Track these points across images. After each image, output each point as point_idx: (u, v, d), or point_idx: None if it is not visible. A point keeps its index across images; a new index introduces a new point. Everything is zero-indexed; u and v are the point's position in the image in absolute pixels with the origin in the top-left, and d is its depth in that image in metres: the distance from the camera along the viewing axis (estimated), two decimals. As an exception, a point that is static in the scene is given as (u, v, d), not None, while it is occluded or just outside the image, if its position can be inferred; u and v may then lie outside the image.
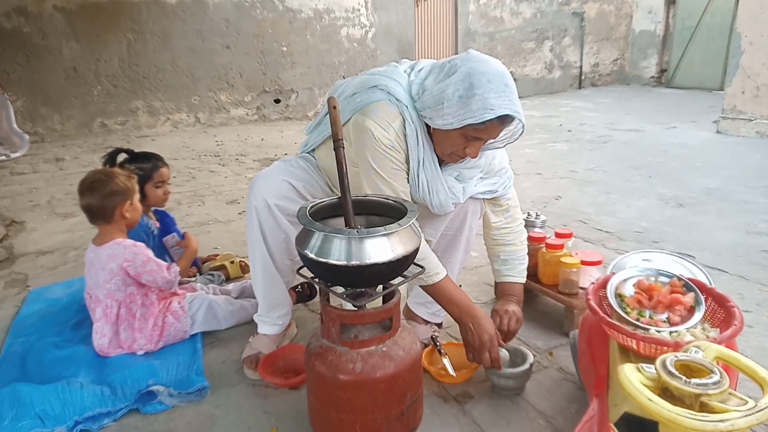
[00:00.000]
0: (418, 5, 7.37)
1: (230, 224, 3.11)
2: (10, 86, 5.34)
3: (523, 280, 1.72)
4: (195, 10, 6.25)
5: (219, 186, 3.95)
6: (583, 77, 9.01)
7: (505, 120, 1.33)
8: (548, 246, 1.84)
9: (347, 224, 1.25)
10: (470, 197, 1.61)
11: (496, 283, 1.91)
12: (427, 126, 1.44)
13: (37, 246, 2.84)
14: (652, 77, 8.91)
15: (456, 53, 8.22)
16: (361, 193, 1.42)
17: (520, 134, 1.42)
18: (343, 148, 1.24)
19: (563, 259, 1.77)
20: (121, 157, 2.07)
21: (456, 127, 1.32)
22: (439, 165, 1.51)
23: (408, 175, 1.48)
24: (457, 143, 1.39)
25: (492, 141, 1.41)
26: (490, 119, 1.29)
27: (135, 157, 2.11)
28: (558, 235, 1.89)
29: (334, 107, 1.26)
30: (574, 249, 1.92)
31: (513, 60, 8.29)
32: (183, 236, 2.09)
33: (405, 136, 1.43)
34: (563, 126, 5.85)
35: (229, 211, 3.37)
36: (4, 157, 4.62)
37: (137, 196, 1.78)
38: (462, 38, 7.74)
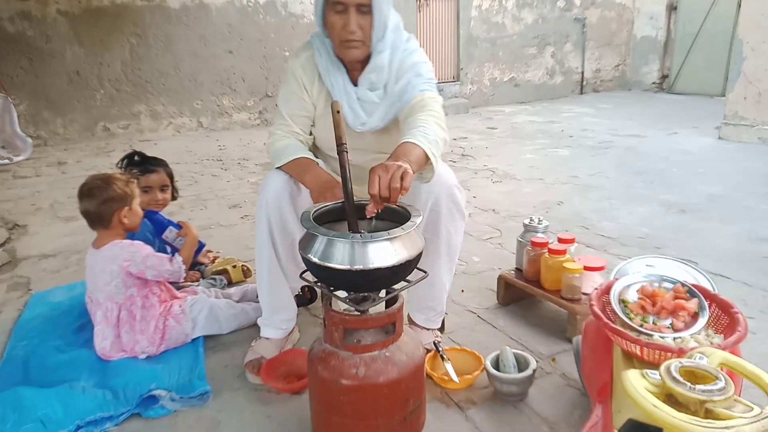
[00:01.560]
0: (420, 11, 7.39)
1: (232, 228, 3.12)
2: (13, 90, 5.36)
3: (423, 146, 1.34)
4: (198, 14, 6.28)
5: (221, 190, 3.95)
6: (584, 83, 9.03)
7: None
8: (551, 251, 1.84)
9: (350, 229, 1.25)
10: (438, 199, 1.53)
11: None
12: (336, 54, 1.58)
13: (39, 249, 2.84)
14: (653, 83, 8.93)
15: (458, 59, 8.25)
16: (364, 200, 1.42)
17: None
18: (347, 152, 1.24)
19: (566, 265, 1.77)
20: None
21: (321, 4, 1.49)
22: (355, 84, 1.61)
23: (311, 100, 1.66)
24: (335, 23, 1.48)
25: (359, 3, 1.46)
26: None
27: (146, 161, 2.13)
28: (560, 241, 1.89)
29: (338, 111, 1.27)
30: (577, 254, 1.92)
31: (515, 65, 8.31)
32: (179, 227, 2.05)
33: (315, 65, 1.61)
34: (565, 131, 5.86)
35: (231, 215, 3.37)
36: (7, 161, 4.63)
37: (137, 201, 1.78)
38: (464, 44, 7.77)
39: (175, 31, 6.20)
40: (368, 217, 1.25)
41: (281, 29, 6.76)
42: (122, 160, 2.14)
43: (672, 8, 8.51)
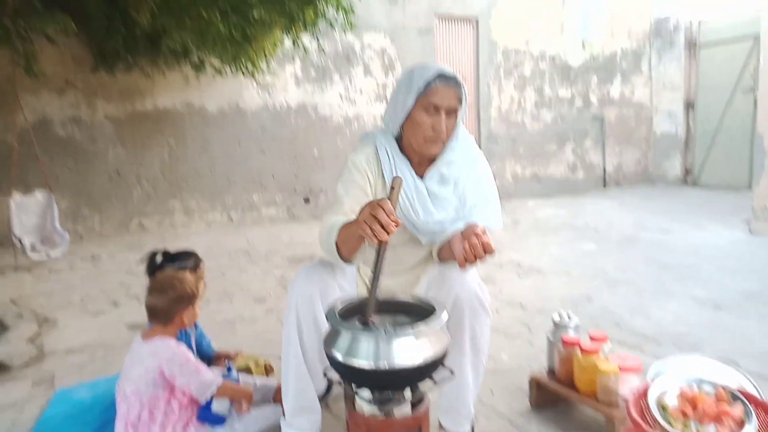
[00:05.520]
0: (442, 112, 7.76)
1: (256, 323, 3.11)
2: (57, 188, 5.67)
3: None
4: (234, 118, 6.70)
5: (247, 284, 3.99)
6: (607, 177, 9.14)
7: (449, 81, 1.57)
8: (583, 350, 1.77)
9: (367, 317, 1.24)
10: (463, 293, 1.53)
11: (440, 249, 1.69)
12: (402, 148, 1.69)
13: (66, 344, 2.86)
14: (677, 177, 8.98)
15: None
16: (389, 295, 1.43)
17: (465, 98, 1.64)
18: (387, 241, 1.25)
19: (600, 365, 1.70)
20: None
21: (411, 103, 1.58)
22: (421, 177, 1.69)
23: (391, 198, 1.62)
24: (424, 122, 1.59)
25: (450, 107, 1.59)
26: (433, 79, 1.56)
27: (172, 258, 2.14)
28: (593, 339, 1.83)
29: (393, 188, 1.27)
30: (610, 353, 1.84)
31: (536, 161, 8.51)
32: (231, 369, 1.98)
33: (379, 160, 1.69)
34: (589, 225, 5.85)
35: (255, 309, 3.37)
36: (44, 256, 4.80)
37: (199, 301, 1.81)
38: (485, 141, 8.04)
39: (211, 133, 6.60)
40: (461, 267, 1.31)
41: (310, 130, 7.13)
42: (149, 258, 2.06)
43: (689, 106, 8.75)
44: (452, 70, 1.61)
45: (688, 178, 8.84)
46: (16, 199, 4.61)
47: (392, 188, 1.26)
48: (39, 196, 4.79)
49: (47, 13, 4.13)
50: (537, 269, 4.08)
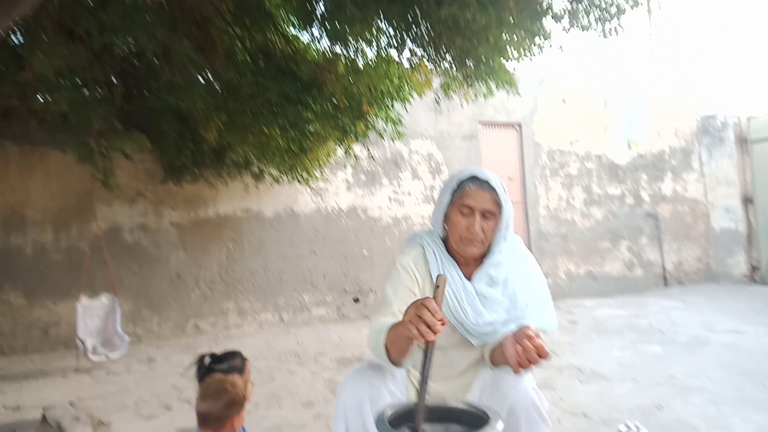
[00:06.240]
0: (490, 212, 7.84)
1: (304, 429, 3.03)
2: (122, 291, 5.96)
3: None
4: (288, 221, 7.00)
5: (296, 387, 3.94)
6: (667, 276, 8.75)
7: (483, 185, 1.63)
8: (654, 466, 1.63)
9: (417, 426, 1.20)
10: (518, 400, 1.46)
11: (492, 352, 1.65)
12: (449, 250, 1.72)
13: (118, 448, 2.86)
14: (742, 274, 8.49)
15: (531, 252, 8.37)
16: (440, 401, 1.39)
17: (508, 203, 1.68)
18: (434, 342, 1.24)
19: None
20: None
21: (447, 204, 1.66)
22: (468, 279, 1.69)
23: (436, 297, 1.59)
24: (459, 223, 1.64)
25: (485, 210, 1.63)
26: (465, 182, 1.64)
27: (220, 359, 2.16)
28: (664, 453, 1.68)
29: (437, 286, 1.29)
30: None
31: (590, 258, 8.30)
32: None
33: (426, 261, 1.71)
34: (653, 326, 5.53)
35: (303, 415, 3.30)
36: (104, 358, 4.94)
37: (246, 404, 1.82)
38: (534, 239, 7.98)
39: (267, 236, 6.88)
40: (515, 372, 1.28)
41: (360, 231, 7.32)
42: (198, 362, 2.06)
43: (747, 201, 8.48)
44: (487, 174, 1.66)
45: (755, 275, 8.34)
46: (83, 303, 4.86)
47: (437, 286, 1.28)
48: (104, 299, 5.04)
49: (126, 133, 4.60)
50: (600, 374, 3.85)
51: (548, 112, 8.22)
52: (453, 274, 1.67)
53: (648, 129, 8.86)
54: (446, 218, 1.70)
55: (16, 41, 4.07)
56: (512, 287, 1.68)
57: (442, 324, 1.22)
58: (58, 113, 4.22)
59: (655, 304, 6.98)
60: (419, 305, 1.25)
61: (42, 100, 4.34)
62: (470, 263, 1.71)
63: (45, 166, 5.93)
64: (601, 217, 8.52)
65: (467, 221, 1.63)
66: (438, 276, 1.32)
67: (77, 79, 4.10)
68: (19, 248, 5.81)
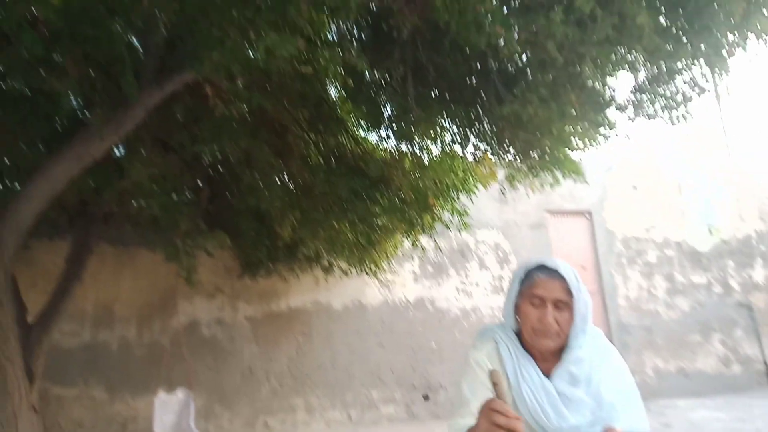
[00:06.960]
0: (564, 302, 7.53)
1: None
2: (196, 385, 6.07)
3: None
4: (356, 313, 7.03)
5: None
6: (771, 372, 7.86)
7: (552, 273, 1.57)
8: None
9: None
10: None
11: None
12: (523, 345, 1.64)
13: None
14: None
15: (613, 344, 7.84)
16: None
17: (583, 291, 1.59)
18: None
19: None
20: None
21: (516, 294, 1.62)
22: (547, 375, 1.59)
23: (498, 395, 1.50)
24: (530, 314, 1.58)
25: (557, 299, 1.56)
26: (533, 271, 1.60)
27: None
28: None
29: (495, 383, 1.29)
30: None
31: (679, 353, 7.64)
32: None
33: (500, 357, 1.63)
34: None
35: None
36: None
37: None
38: (615, 331, 7.50)
39: (335, 328, 6.91)
40: None
41: (428, 323, 7.20)
42: None
43: None
44: (557, 262, 1.60)
45: None
46: (161, 398, 4.98)
47: (494, 384, 1.27)
48: (180, 394, 5.14)
49: (210, 232, 4.94)
50: (703, 487, 3.42)
51: (619, 199, 8.05)
52: (530, 371, 1.58)
53: (729, 213, 8.42)
54: (517, 310, 1.63)
55: (117, 153, 4.58)
56: (596, 384, 1.57)
57: (517, 420, 1.20)
58: (150, 216, 4.63)
59: (762, 406, 6.23)
60: (488, 412, 1.24)
61: (136, 205, 4.78)
62: (548, 358, 1.61)
63: (134, 265, 6.39)
64: (688, 307, 7.94)
65: (539, 312, 1.56)
66: (491, 372, 1.31)
67: (169, 185, 4.52)
68: (106, 344, 6.14)
